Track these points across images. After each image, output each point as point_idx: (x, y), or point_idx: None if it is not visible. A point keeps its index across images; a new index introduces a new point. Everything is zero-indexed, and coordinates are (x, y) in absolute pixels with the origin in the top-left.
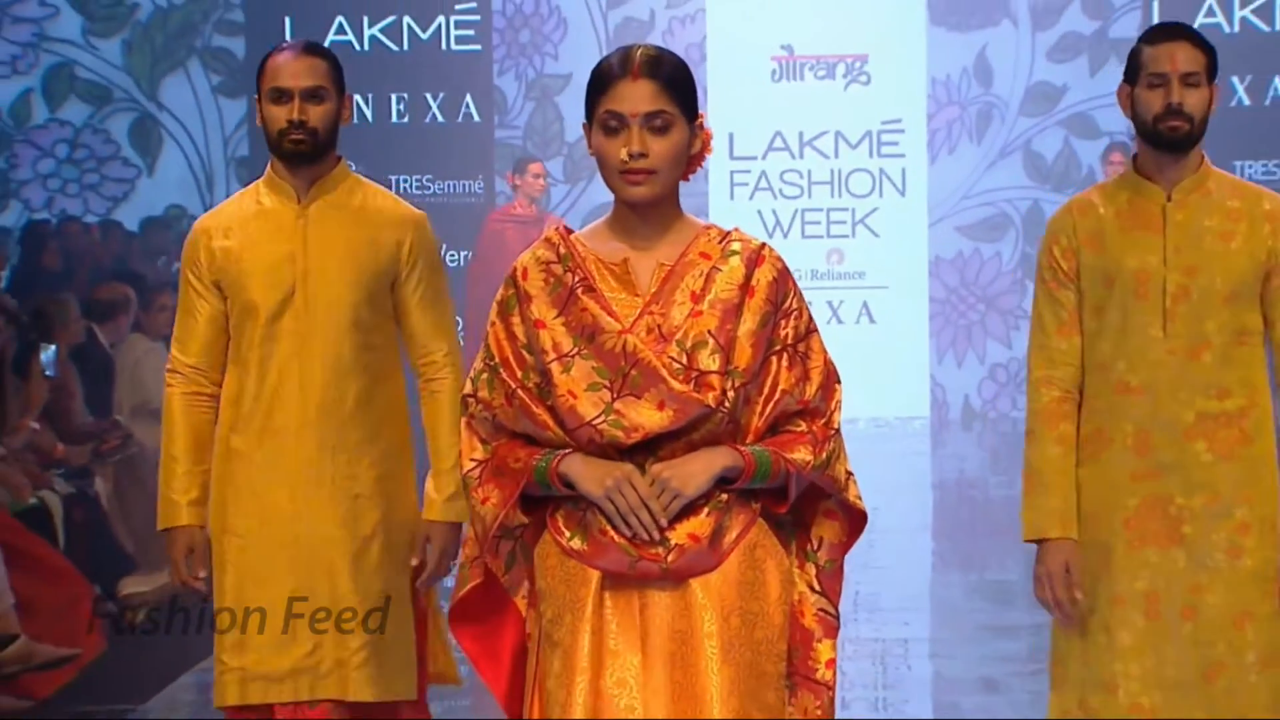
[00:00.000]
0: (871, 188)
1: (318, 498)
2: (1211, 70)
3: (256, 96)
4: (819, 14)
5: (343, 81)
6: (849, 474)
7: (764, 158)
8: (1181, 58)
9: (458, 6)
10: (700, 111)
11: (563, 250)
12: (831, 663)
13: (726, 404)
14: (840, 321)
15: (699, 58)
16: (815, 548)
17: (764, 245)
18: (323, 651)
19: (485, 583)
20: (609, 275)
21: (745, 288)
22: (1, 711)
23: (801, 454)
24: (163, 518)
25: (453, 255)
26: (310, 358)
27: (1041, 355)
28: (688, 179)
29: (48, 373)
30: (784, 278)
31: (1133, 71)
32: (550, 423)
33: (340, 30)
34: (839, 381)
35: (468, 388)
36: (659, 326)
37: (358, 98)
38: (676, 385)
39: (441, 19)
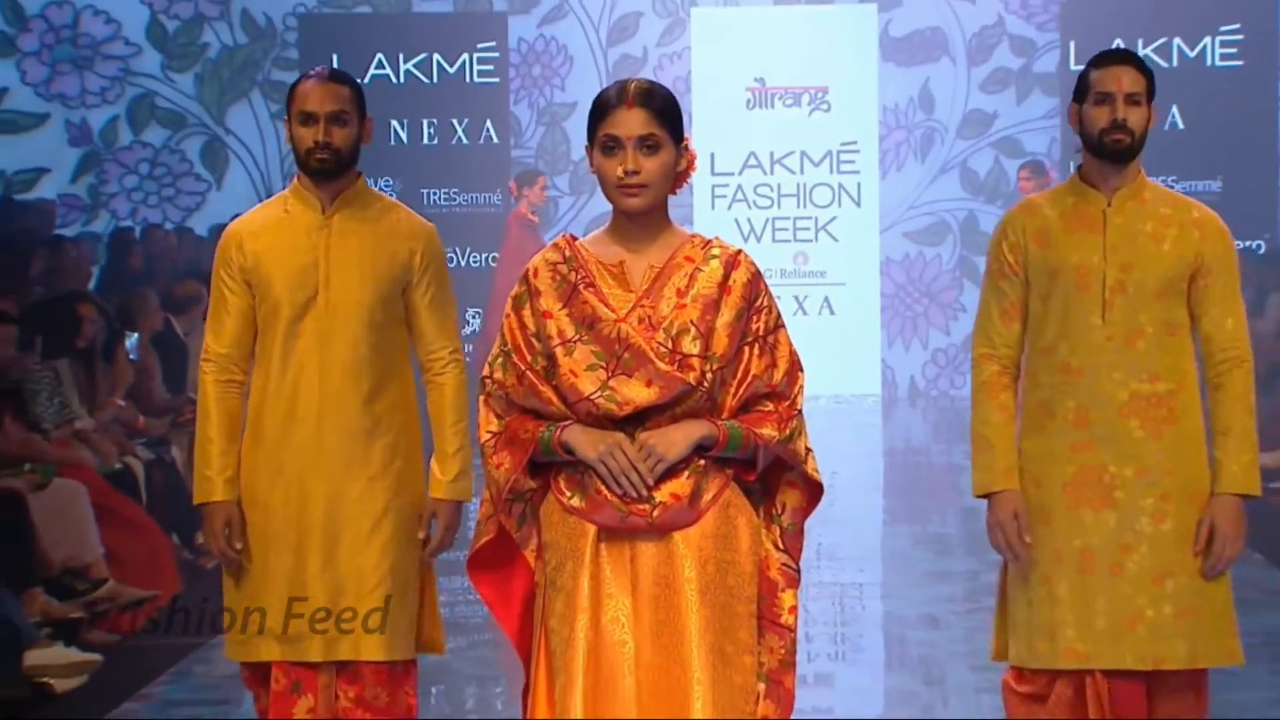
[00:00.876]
0: (831, 199)
1: (335, 479)
2: (1151, 92)
3: (286, 118)
4: (787, 52)
5: (364, 106)
6: (809, 450)
7: (740, 174)
8: (1126, 79)
9: (479, 45)
10: (686, 135)
11: (568, 253)
12: (794, 609)
13: (705, 382)
14: (805, 314)
15: (685, 89)
16: (779, 512)
17: (740, 252)
18: (335, 615)
19: (498, 538)
20: (607, 274)
21: (723, 286)
22: (94, 643)
23: (768, 430)
24: (199, 493)
25: (476, 257)
26: (329, 355)
27: (984, 336)
28: (675, 193)
29: (132, 357)
30: (756, 279)
31: (1082, 91)
32: (554, 399)
33: (380, 65)
34: (802, 370)
35: (485, 370)
36: (649, 317)
37: (395, 122)
38: (662, 366)
39: (466, 56)
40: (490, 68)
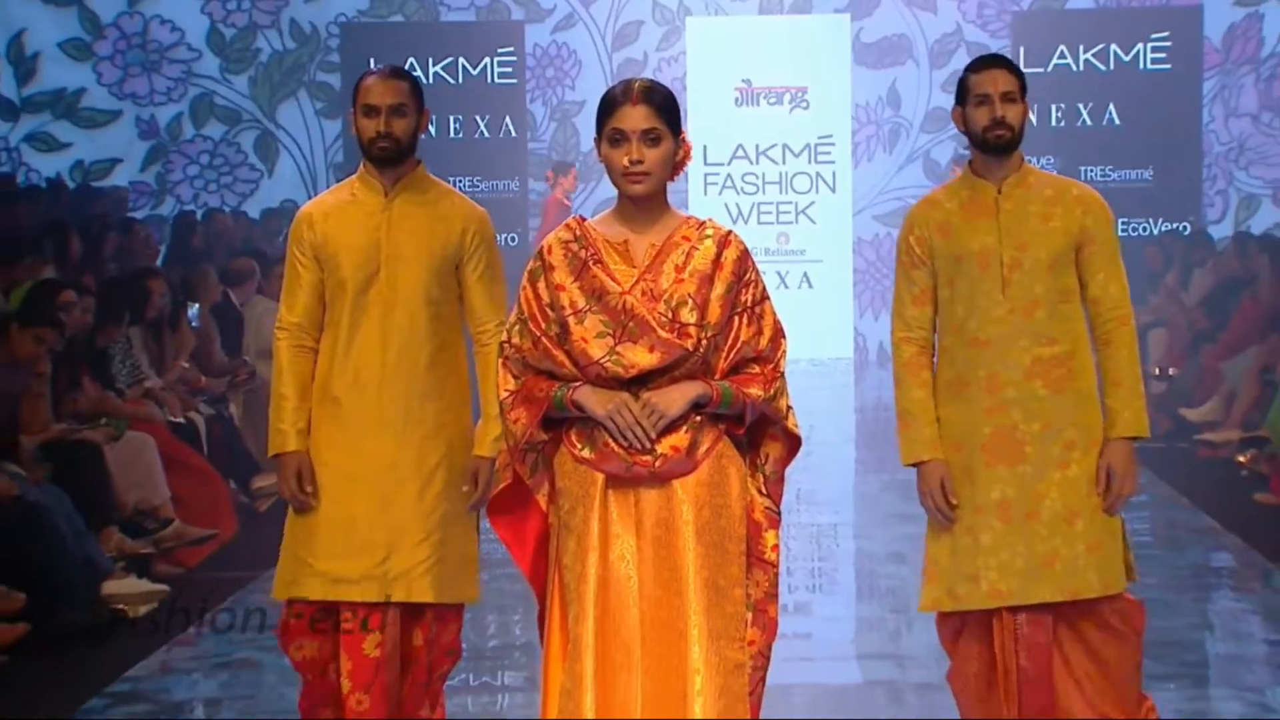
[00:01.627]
0: (810, 186)
1: (393, 439)
2: (1023, 89)
3: (352, 110)
4: (770, 56)
5: (422, 99)
6: (789, 407)
7: (729, 164)
8: (1001, 81)
9: (499, 50)
10: (683, 129)
11: (579, 233)
12: (775, 547)
13: (700, 348)
14: (786, 287)
15: (680, 89)
16: (763, 461)
17: (730, 232)
18: (391, 560)
19: (514, 484)
20: (613, 252)
21: (716, 263)
22: (162, 575)
23: (755, 389)
24: (274, 445)
25: (497, 236)
26: (390, 326)
27: (901, 321)
28: (674, 180)
29: (194, 325)
30: (745, 257)
31: (962, 95)
32: (566, 362)
33: (411, 68)
34: (784, 336)
35: (504, 335)
36: (651, 290)
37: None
38: (663, 334)
39: (488, 59)
40: (509, 70)
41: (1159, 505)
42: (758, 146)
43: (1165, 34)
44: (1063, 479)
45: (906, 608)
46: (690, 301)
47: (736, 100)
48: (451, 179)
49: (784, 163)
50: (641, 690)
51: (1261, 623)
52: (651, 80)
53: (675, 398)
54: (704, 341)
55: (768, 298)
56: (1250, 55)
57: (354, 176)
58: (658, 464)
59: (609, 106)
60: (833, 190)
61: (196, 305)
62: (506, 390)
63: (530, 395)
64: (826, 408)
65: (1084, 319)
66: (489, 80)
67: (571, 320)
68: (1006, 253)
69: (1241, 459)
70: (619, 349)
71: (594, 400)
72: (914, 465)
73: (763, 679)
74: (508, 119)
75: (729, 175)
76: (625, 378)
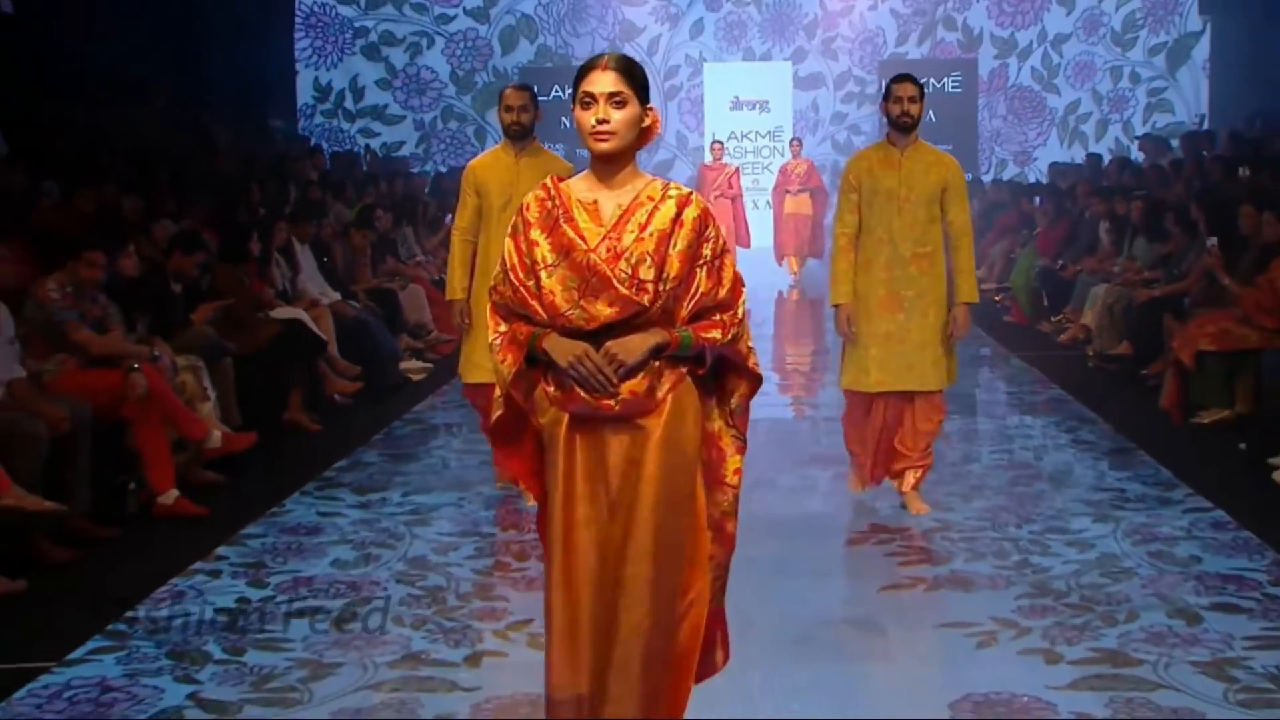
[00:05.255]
0: (770, 154)
1: None
2: (922, 95)
3: (498, 108)
4: (749, 83)
5: (537, 102)
6: (750, 348)
7: (728, 141)
8: (909, 89)
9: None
10: (651, 103)
11: (553, 192)
12: (738, 471)
13: (657, 303)
14: (757, 208)
15: (701, 102)
16: (730, 396)
17: (692, 193)
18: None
19: (507, 413)
20: (584, 210)
21: (676, 220)
22: (429, 359)
23: (713, 334)
24: (449, 293)
25: None
26: None
27: (840, 223)
28: (643, 147)
29: (448, 223)
30: (705, 215)
31: (886, 95)
32: (539, 311)
33: (558, 91)
34: (743, 285)
35: (492, 283)
36: (614, 248)
37: (563, 118)
38: (622, 290)
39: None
40: None
41: None
42: (742, 132)
43: (959, 73)
44: (923, 324)
45: (813, 383)
46: (649, 259)
47: (730, 107)
48: (578, 151)
49: (756, 141)
50: (596, 603)
51: (1004, 384)
52: (624, 54)
53: (635, 345)
54: (661, 295)
55: (728, 252)
56: (1001, 86)
57: (498, 145)
58: (618, 406)
59: (582, 74)
60: (782, 156)
61: (450, 215)
62: (496, 333)
63: (514, 339)
64: (770, 283)
65: (944, 233)
66: None
67: (543, 274)
68: (902, 191)
69: (996, 299)
70: (583, 303)
71: (557, 349)
72: (835, 306)
73: (723, 587)
74: None
75: (727, 149)
76: (589, 328)
